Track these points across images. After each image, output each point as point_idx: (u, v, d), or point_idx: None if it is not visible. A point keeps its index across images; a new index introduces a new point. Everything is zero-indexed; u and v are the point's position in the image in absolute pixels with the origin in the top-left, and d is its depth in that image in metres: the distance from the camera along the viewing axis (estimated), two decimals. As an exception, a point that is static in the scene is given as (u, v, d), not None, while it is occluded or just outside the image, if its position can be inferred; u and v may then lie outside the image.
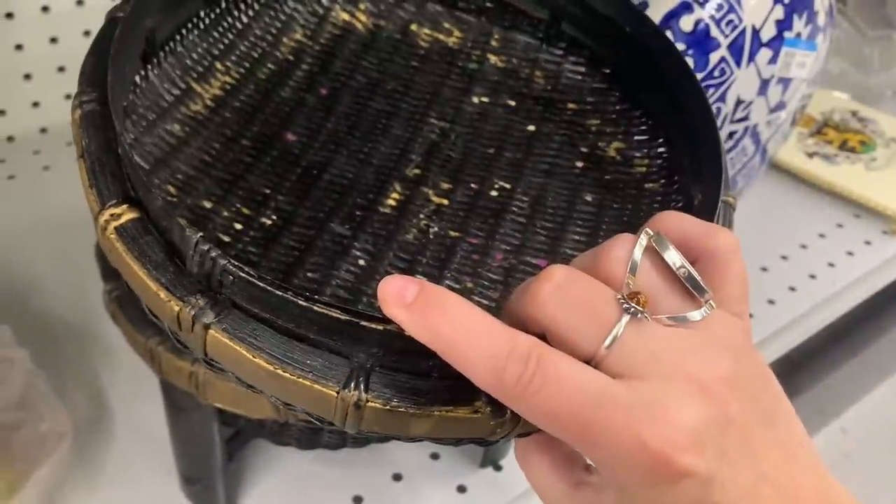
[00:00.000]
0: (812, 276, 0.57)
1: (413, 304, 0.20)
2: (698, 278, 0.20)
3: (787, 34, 0.48)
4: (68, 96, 0.64)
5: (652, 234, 0.20)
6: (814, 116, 0.68)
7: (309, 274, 0.27)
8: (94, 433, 0.41)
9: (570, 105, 0.35)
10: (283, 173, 0.30)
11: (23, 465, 0.35)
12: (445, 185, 0.31)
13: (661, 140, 0.34)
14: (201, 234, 0.21)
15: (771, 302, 0.55)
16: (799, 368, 0.60)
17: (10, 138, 0.62)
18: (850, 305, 0.57)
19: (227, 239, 0.27)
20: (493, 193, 0.31)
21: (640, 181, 0.32)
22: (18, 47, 0.60)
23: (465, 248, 0.29)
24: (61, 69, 0.62)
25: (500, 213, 0.30)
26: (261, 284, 0.21)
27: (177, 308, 0.22)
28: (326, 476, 0.41)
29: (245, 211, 0.28)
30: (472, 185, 0.31)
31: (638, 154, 0.33)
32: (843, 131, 0.68)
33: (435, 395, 0.21)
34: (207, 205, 0.28)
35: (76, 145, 0.27)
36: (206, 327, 0.21)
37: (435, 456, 0.43)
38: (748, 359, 0.20)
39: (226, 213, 0.28)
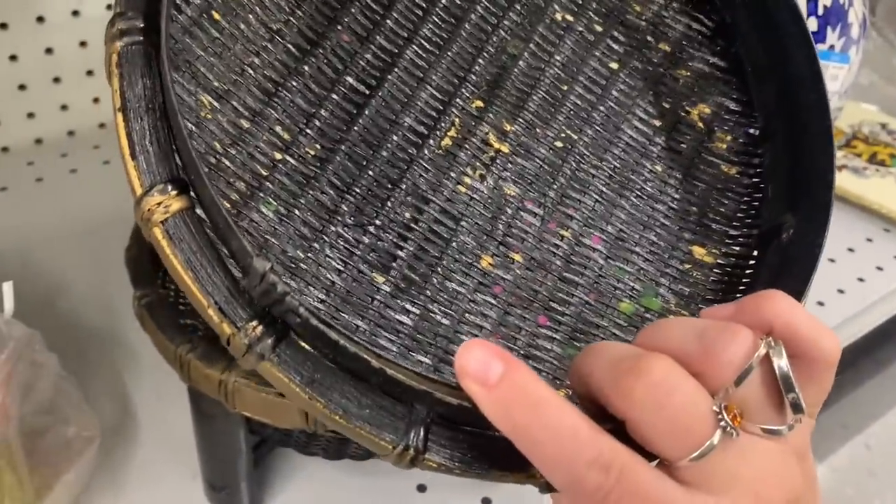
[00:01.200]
0: (841, 291, 0.57)
1: (497, 387, 0.18)
2: (801, 402, 0.19)
3: (820, 46, 0.48)
4: (96, 100, 0.64)
5: (772, 343, 0.19)
6: (842, 129, 0.68)
7: (349, 221, 0.25)
8: (120, 438, 0.41)
9: (663, 47, 0.30)
10: (331, 87, 0.26)
11: (49, 470, 0.35)
12: (507, 127, 0.28)
13: (757, 120, 0.29)
14: (270, 265, 0.19)
15: (799, 316, 0.54)
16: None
17: (38, 141, 0.63)
18: (879, 321, 0.56)
19: (265, 172, 0.25)
20: (558, 144, 0.28)
21: (717, 160, 0.28)
22: (48, 51, 0.60)
23: (517, 211, 0.27)
24: (90, 73, 0.63)
25: (558, 169, 0.27)
26: (331, 337, 0.19)
27: (229, 331, 0.20)
28: (351, 485, 0.41)
29: (286, 137, 0.25)
30: (536, 131, 0.28)
31: (723, 127, 0.29)
32: (873, 144, 0.67)
33: (493, 458, 0.20)
34: (245, 124, 0.25)
35: (113, 94, 0.22)
36: (261, 357, 0.20)
37: (459, 467, 0.43)
38: (809, 467, 0.20)
39: (265, 139, 0.25)
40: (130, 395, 0.44)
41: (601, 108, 0.29)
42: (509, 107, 0.28)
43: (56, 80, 0.61)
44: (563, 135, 0.28)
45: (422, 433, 0.20)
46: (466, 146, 0.27)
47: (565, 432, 0.18)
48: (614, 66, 0.30)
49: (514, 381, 0.18)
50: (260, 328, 0.20)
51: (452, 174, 0.26)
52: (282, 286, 0.19)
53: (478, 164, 0.27)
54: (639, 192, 0.28)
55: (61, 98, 0.62)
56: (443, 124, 0.27)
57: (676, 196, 0.28)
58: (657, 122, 0.29)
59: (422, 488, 0.42)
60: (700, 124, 0.29)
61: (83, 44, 0.61)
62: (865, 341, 0.57)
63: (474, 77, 0.28)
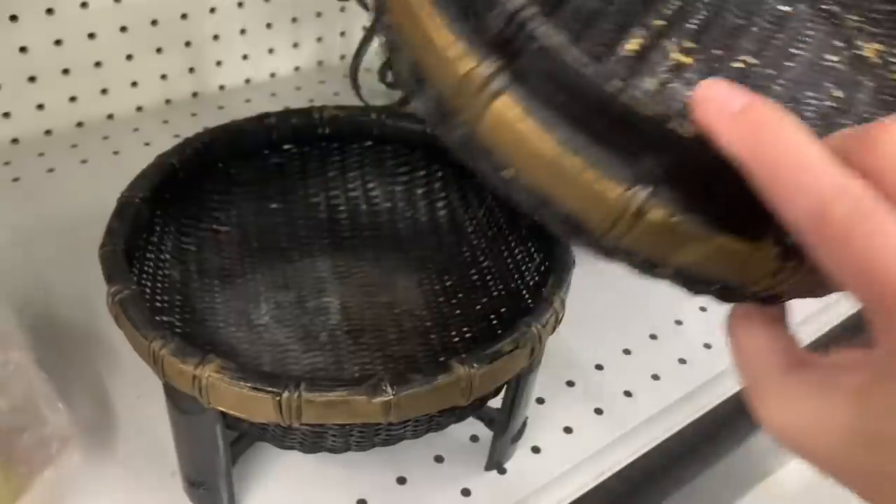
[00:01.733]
0: None
1: (740, 114, 0.17)
2: None
3: None
4: (73, 98, 0.64)
5: None
6: None
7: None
8: (99, 436, 0.41)
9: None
10: None
11: (25, 470, 0.35)
12: (688, 44, 0.28)
13: None
14: None
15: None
16: None
17: (15, 140, 0.62)
18: None
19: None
20: (736, 65, 0.28)
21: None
22: (23, 49, 0.60)
23: None
24: (65, 71, 0.62)
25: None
26: (571, 56, 0.18)
27: (469, 66, 0.19)
28: (330, 478, 0.41)
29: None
30: (716, 52, 0.28)
31: None
32: None
33: (723, 219, 0.19)
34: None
35: None
36: (496, 95, 0.19)
37: (439, 459, 0.43)
38: None
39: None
40: (108, 393, 0.44)
41: (776, 40, 0.29)
42: (690, 31, 0.28)
43: (31, 79, 0.61)
44: (740, 58, 0.28)
45: (652, 182, 0.19)
46: (650, 54, 0.26)
47: (813, 157, 0.17)
48: (787, 8, 0.30)
49: (760, 110, 0.18)
50: (500, 61, 0.19)
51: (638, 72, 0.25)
52: (528, 8, 0.18)
53: (661, 68, 0.26)
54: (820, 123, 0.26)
55: (37, 98, 0.62)
56: (626, 32, 0.26)
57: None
58: (833, 58, 0.29)
59: (402, 480, 0.42)
60: (877, 59, 0.29)
61: (58, 42, 0.61)
62: None
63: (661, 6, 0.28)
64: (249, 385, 0.32)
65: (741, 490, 0.59)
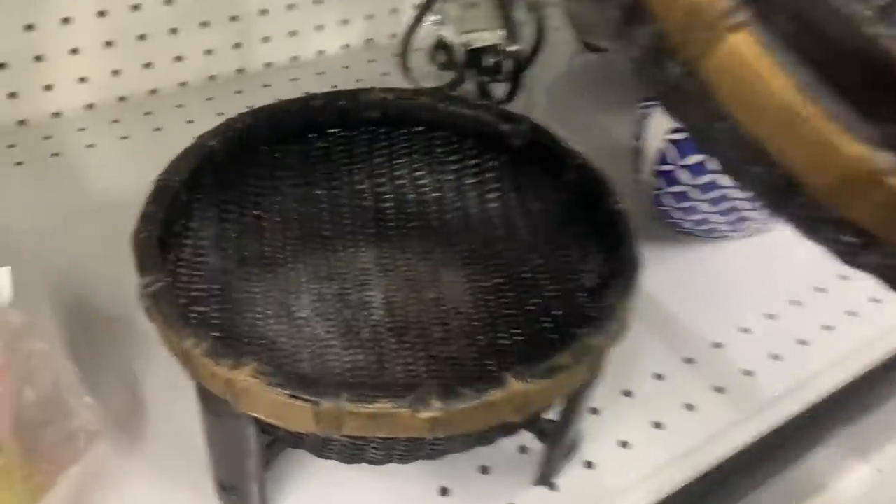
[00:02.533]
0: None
1: None
2: None
3: None
4: (115, 72, 0.62)
5: None
6: None
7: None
8: (128, 431, 0.40)
9: None
10: None
11: (51, 466, 0.33)
12: None
13: None
14: None
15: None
16: None
17: (56, 114, 0.61)
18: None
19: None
20: None
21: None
22: (65, 21, 0.58)
23: None
24: (109, 44, 0.61)
25: None
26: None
27: None
28: (369, 487, 0.39)
29: None
30: None
31: None
32: None
33: None
34: None
35: None
36: (735, 28, 0.16)
37: (485, 470, 0.40)
38: None
39: None
40: (140, 386, 0.42)
41: None
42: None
43: (73, 51, 0.59)
44: None
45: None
46: None
47: None
48: None
49: None
50: None
51: None
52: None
53: None
54: None
55: (80, 70, 0.60)
56: None
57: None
58: None
59: (444, 492, 0.39)
60: None
61: (101, 14, 0.59)
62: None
63: None
64: (287, 392, 0.29)
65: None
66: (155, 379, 0.42)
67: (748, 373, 0.47)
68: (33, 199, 0.53)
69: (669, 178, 0.49)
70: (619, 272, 0.36)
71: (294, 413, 0.29)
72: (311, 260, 0.45)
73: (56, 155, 0.57)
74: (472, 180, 0.48)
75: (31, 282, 0.45)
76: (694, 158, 0.48)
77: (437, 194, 0.49)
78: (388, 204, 0.49)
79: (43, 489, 0.33)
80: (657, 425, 0.44)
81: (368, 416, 0.29)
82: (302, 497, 0.38)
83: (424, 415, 0.29)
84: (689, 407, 0.45)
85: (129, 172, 0.55)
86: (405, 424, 0.29)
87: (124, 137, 0.60)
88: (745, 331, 0.50)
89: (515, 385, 0.30)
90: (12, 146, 0.57)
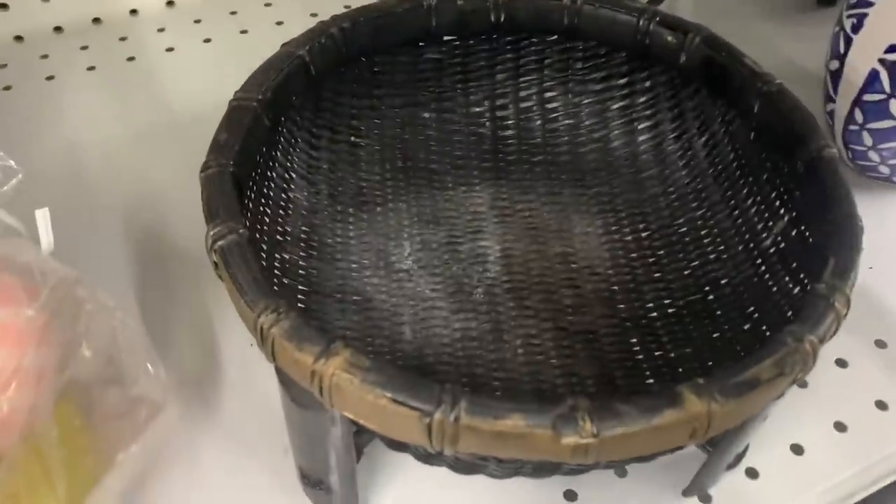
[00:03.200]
0: None
1: None
2: None
3: None
4: (196, -36, 0.54)
5: None
6: None
7: None
8: (198, 401, 0.34)
9: None
10: None
11: (110, 442, 0.28)
12: None
13: None
14: None
15: None
16: None
17: (134, 11, 0.54)
18: None
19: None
20: None
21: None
22: None
23: None
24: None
25: None
26: None
27: None
28: (481, 491, 0.32)
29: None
30: None
31: None
32: None
33: None
34: None
35: None
36: None
37: (622, 474, 0.33)
38: None
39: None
40: (217, 341, 0.36)
41: None
42: None
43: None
44: None
45: None
46: None
47: None
48: None
49: None
50: None
51: None
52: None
53: None
54: None
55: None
56: None
57: None
58: None
59: (571, 496, 0.32)
60: None
61: None
62: None
63: None
64: (389, 395, 0.22)
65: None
66: (232, 331, 0.36)
67: (953, 364, 0.37)
68: (105, 111, 0.47)
69: (875, 110, 0.38)
70: (832, 244, 0.26)
71: (398, 421, 0.22)
72: (414, 199, 0.38)
73: (132, 59, 0.51)
74: (619, 105, 0.38)
75: (97, 208, 0.40)
76: None
77: (572, 121, 0.39)
78: (509, 132, 0.40)
79: (97, 473, 0.28)
80: (839, 426, 0.35)
81: (495, 434, 0.22)
82: (397, 497, 0.32)
83: (571, 441, 0.21)
84: (882, 405, 0.36)
85: (211, 81, 0.49)
86: (544, 449, 0.22)
87: (207, 40, 0.52)
88: None
89: (696, 405, 0.22)
90: (85, 48, 0.51)
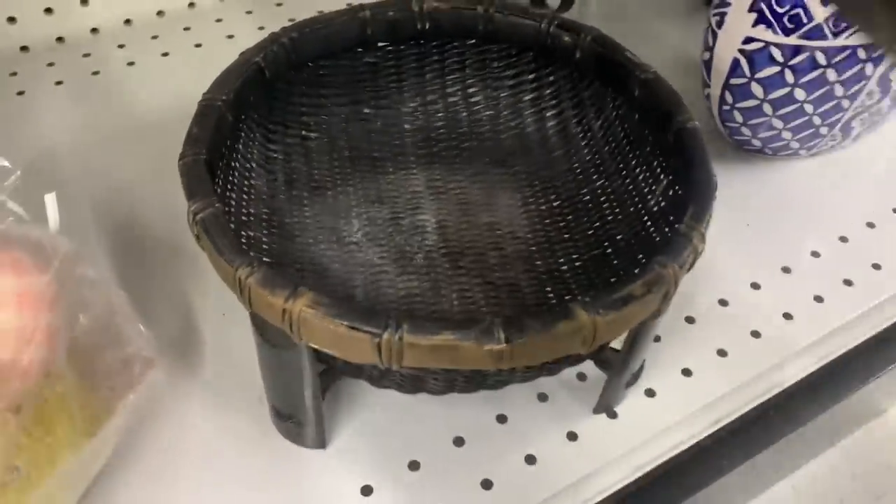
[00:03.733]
0: None
1: None
2: None
3: None
4: (151, -15, 0.59)
5: None
6: None
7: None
8: (182, 358, 0.39)
9: None
10: None
11: (108, 393, 0.33)
12: None
13: None
14: None
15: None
16: None
17: (95, 30, 0.59)
18: None
19: None
20: None
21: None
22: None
23: None
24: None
25: None
26: None
27: None
28: (426, 414, 0.38)
29: None
30: None
31: None
32: None
33: None
34: None
35: None
36: None
37: (543, 397, 0.39)
38: None
39: None
40: (193, 312, 0.41)
41: None
42: None
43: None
44: None
45: None
46: None
47: None
48: None
49: None
50: None
51: None
52: None
53: None
54: None
55: (115, -17, 0.58)
56: None
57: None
58: None
59: (502, 419, 0.38)
60: None
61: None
62: None
63: None
64: (346, 323, 0.28)
65: (851, 429, 0.54)
66: (206, 303, 0.42)
67: (818, 298, 0.45)
68: (75, 120, 0.52)
69: (740, 92, 0.46)
70: (692, 195, 0.33)
71: (354, 345, 0.28)
72: (360, 183, 0.44)
73: (96, 73, 0.55)
74: (530, 97, 0.45)
75: (75, 205, 0.45)
76: (768, 71, 0.45)
77: (492, 112, 0.46)
78: (439, 123, 0.46)
79: (100, 418, 0.33)
80: (721, 353, 0.42)
81: (431, 348, 0.28)
82: (357, 424, 0.38)
83: (489, 347, 0.28)
84: (756, 334, 0.43)
85: (170, 90, 0.54)
86: (469, 357, 0.28)
87: (165, 54, 0.58)
88: (816, 255, 0.47)
89: (584, 317, 0.29)
90: (51, 64, 0.56)
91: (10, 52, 0.56)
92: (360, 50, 0.43)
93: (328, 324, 0.28)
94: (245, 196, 0.39)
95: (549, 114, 0.45)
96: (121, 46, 0.58)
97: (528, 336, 0.28)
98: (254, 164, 0.41)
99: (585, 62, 0.41)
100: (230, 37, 0.59)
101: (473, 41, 0.44)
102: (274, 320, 0.30)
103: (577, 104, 0.44)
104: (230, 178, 0.38)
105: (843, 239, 0.48)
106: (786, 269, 0.46)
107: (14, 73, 0.55)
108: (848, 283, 0.46)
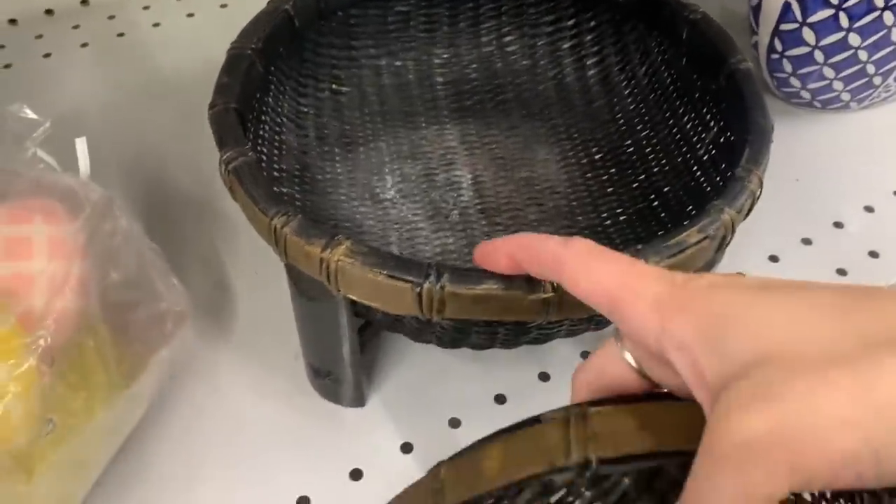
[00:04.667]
0: None
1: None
2: None
3: None
4: (175, -58, 0.58)
5: None
6: None
7: None
8: (215, 314, 0.38)
9: None
10: None
11: (141, 347, 0.32)
12: None
13: None
14: None
15: None
16: None
17: (118, -9, 0.58)
18: None
19: None
20: None
21: None
22: None
23: None
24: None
25: None
26: None
27: None
28: (468, 373, 0.37)
29: None
30: None
31: None
32: None
33: None
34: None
35: None
36: None
37: (586, 355, 0.38)
38: None
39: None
40: (224, 267, 0.40)
41: None
42: None
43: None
44: None
45: None
46: None
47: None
48: None
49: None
50: None
51: None
52: None
53: None
54: None
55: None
56: None
57: None
58: None
59: (544, 377, 0.37)
60: None
61: None
62: None
63: None
64: (385, 272, 0.27)
65: None
66: (238, 260, 0.41)
67: (873, 254, 0.43)
68: (102, 81, 0.51)
69: (791, 39, 0.43)
70: (748, 138, 0.32)
71: (394, 295, 0.27)
72: (392, 139, 0.42)
73: (121, 35, 0.54)
74: (569, 44, 0.43)
75: (103, 166, 0.44)
76: (821, 14, 0.42)
77: (528, 62, 0.44)
78: (473, 75, 0.45)
79: (134, 372, 0.32)
80: None
81: (474, 298, 0.27)
82: (397, 381, 0.36)
83: (536, 297, 0.26)
84: None
85: (196, 51, 0.53)
86: (515, 307, 0.27)
87: (190, 15, 0.56)
88: (869, 210, 0.45)
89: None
90: (76, 27, 0.55)
91: (35, 16, 0.55)
92: (391, -2, 0.42)
93: (367, 273, 0.27)
94: (276, 151, 0.38)
95: (590, 62, 0.43)
96: (146, 8, 0.57)
97: (578, 284, 0.27)
98: (284, 119, 0.39)
99: (629, 4, 0.39)
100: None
101: (509, -14, 0.42)
102: (311, 271, 0.28)
103: (621, 50, 0.42)
104: (261, 132, 0.37)
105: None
106: (838, 224, 0.44)
107: (40, 36, 0.54)
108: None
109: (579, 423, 0.19)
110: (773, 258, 0.42)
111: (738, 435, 0.15)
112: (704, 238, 0.28)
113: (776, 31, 0.44)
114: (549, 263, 0.23)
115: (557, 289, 0.26)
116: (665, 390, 0.20)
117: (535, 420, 0.20)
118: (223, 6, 0.57)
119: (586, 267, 0.22)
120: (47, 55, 0.53)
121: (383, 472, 0.34)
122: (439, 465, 0.20)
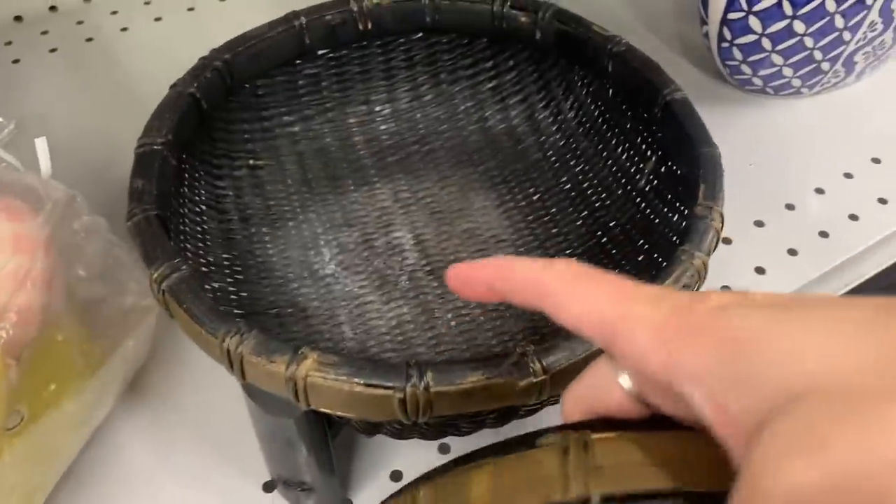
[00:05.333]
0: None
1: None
2: None
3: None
4: None
5: None
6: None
7: None
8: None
9: None
10: None
11: (106, 341, 0.32)
12: None
13: None
14: None
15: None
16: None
17: None
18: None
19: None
20: None
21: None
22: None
23: None
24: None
25: None
26: None
27: None
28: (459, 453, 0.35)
29: None
30: None
31: None
32: None
33: None
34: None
35: None
36: None
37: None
38: None
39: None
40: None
41: None
42: None
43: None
44: None
45: None
46: None
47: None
48: None
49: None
50: None
51: None
52: None
53: None
54: None
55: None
56: None
57: None
58: None
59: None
60: None
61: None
62: None
63: None
64: (362, 382, 0.24)
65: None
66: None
67: (823, 234, 0.44)
68: (69, 86, 0.51)
69: (738, 28, 0.44)
70: (698, 172, 0.31)
71: (374, 404, 0.25)
72: (322, 208, 0.40)
73: (90, 40, 0.55)
74: (489, 86, 0.42)
75: (68, 167, 0.41)
76: (766, 2, 0.43)
77: (448, 110, 0.43)
78: (394, 128, 0.43)
79: (101, 365, 0.32)
80: (726, 289, 0.40)
81: (462, 393, 0.25)
82: (380, 473, 0.34)
83: (527, 382, 0.25)
84: (760, 270, 0.42)
85: (164, 55, 0.51)
86: (505, 395, 0.25)
87: (158, 19, 0.56)
88: (820, 191, 0.46)
89: (622, 328, 0.26)
90: (45, 33, 0.55)
91: (4, 22, 0.55)
92: (298, 62, 0.39)
93: (342, 385, 0.24)
94: (201, 244, 0.35)
95: (512, 101, 0.42)
96: (114, 13, 0.57)
97: (566, 359, 0.25)
98: (204, 207, 0.36)
99: (547, 41, 0.38)
100: (222, 0, 0.57)
101: (420, 35, 0.41)
102: (275, 389, 0.26)
103: (543, 87, 0.41)
104: (181, 228, 0.34)
105: (848, 175, 0.47)
106: (789, 206, 0.45)
107: (9, 43, 0.54)
108: (854, 217, 0.45)
109: (580, 452, 0.17)
110: (727, 240, 0.43)
111: (783, 487, 0.14)
112: (684, 287, 0.27)
113: (724, 21, 0.45)
114: (530, 291, 0.20)
115: (548, 368, 0.25)
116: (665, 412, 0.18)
117: (530, 441, 0.17)
118: (190, 9, 0.57)
119: (572, 293, 0.19)
120: (16, 61, 0.53)
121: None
122: (417, 484, 0.17)
